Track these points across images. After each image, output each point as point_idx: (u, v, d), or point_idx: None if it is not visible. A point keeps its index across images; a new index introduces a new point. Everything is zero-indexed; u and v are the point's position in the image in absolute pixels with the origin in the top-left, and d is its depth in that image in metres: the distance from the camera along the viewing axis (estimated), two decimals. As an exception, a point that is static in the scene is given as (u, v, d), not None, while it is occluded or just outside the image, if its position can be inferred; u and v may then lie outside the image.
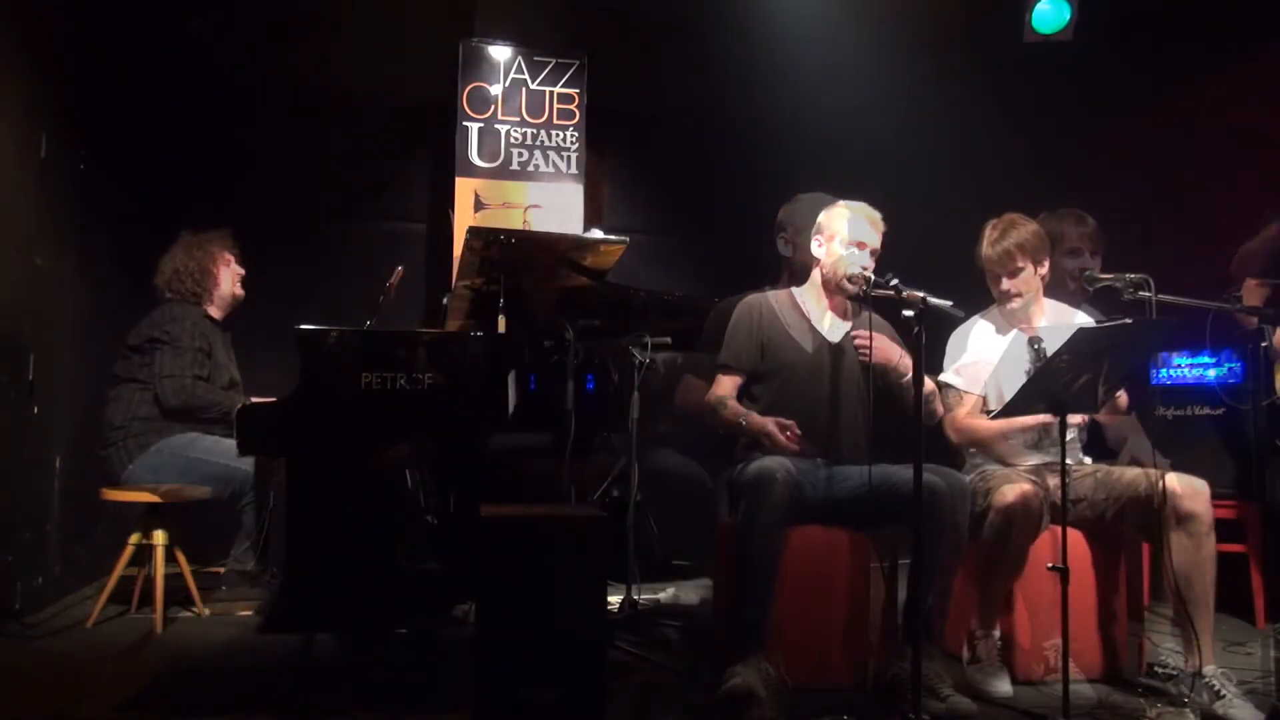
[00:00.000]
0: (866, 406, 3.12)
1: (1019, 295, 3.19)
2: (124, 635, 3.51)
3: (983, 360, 3.22)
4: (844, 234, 3.12)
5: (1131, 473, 3.03)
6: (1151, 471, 2.93)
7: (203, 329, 3.82)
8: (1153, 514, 2.87)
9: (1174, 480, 2.85)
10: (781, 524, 2.80)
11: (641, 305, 3.99)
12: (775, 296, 3.28)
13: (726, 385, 3.17)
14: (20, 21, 3.73)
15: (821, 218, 3.20)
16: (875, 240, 3.13)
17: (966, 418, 3.21)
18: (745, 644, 2.73)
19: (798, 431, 2.91)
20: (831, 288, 3.18)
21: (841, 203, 3.20)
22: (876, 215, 3.16)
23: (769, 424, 2.93)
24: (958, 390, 3.24)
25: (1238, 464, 3.99)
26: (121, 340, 3.93)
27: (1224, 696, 2.67)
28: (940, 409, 3.19)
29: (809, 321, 3.20)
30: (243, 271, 4.11)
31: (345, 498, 3.37)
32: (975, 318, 3.30)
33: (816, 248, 3.20)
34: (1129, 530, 3.04)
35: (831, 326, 3.21)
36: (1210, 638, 2.80)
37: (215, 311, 4.00)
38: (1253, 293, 3.75)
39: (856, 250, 3.10)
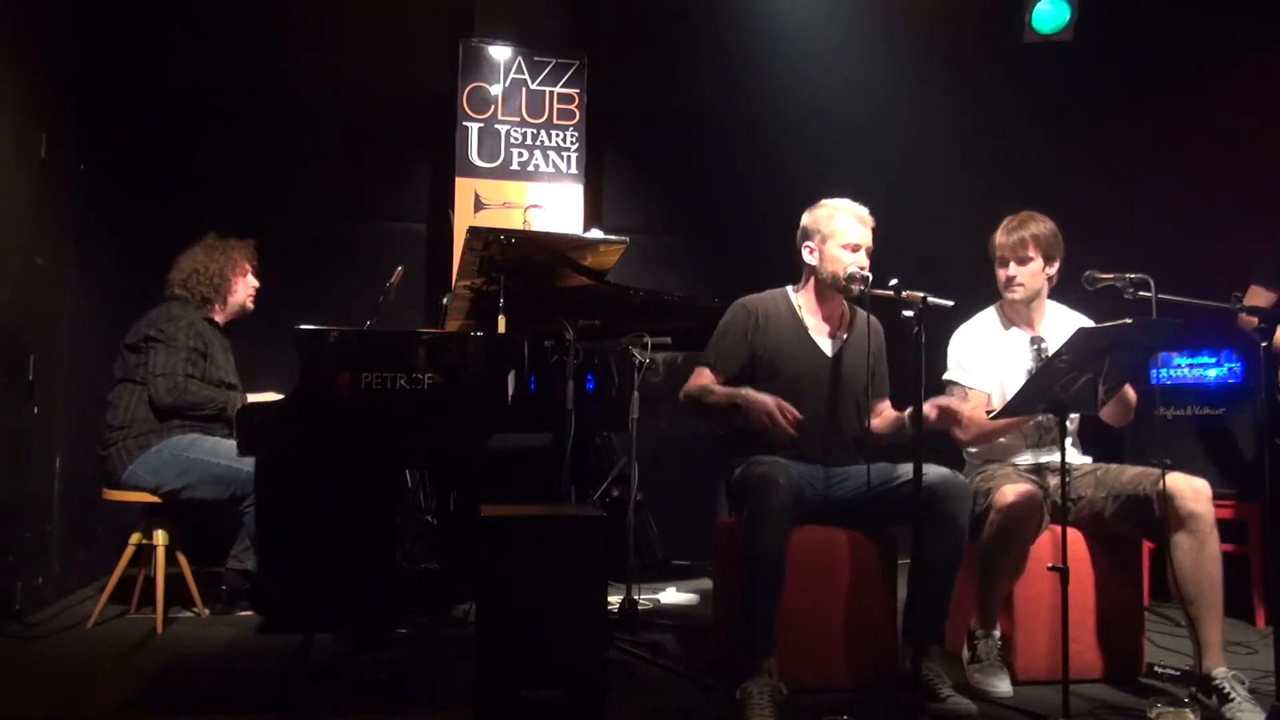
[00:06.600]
0: (864, 413, 3.11)
1: (1022, 285, 3.16)
2: (124, 635, 3.51)
3: (987, 356, 3.21)
4: (837, 236, 3.05)
5: (1131, 471, 3.02)
6: (1152, 471, 2.92)
7: (200, 330, 3.80)
8: (1153, 513, 2.86)
9: (1175, 480, 2.83)
10: (787, 526, 2.77)
11: (641, 305, 3.99)
12: (776, 300, 3.19)
13: (707, 376, 3.09)
14: (21, 21, 3.73)
15: (808, 221, 3.12)
16: (868, 238, 3.06)
17: (974, 413, 3.12)
18: (756, 649, 2.69)
19: (798, 415, 2.84)
20: (829, 291, 3.11)
21: (827, 203, 3.12)
22: (864, 211, 3.09)
23: (769, 403, 2.83)
24: (963, 387, 3.20)
25: (1238, 464, 3.99)
26: (121, 340, 3.92)
27: (1233, 700, 2.65)
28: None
29: (807, 329, 3.14)
30: (257, 284, 4.07)
31: (345, 498, 3.37)
32: (978, 315, 3.30)
33: (808, 254, 3.12)
34: (1129, 528, 3.04)
35: (829, 333, 3.16)
36: (1219, 639, 2.77)
37: (219, 317, 3.98)
38: (1257, 296, 3.74)
39: (851, 251, 3.03)
